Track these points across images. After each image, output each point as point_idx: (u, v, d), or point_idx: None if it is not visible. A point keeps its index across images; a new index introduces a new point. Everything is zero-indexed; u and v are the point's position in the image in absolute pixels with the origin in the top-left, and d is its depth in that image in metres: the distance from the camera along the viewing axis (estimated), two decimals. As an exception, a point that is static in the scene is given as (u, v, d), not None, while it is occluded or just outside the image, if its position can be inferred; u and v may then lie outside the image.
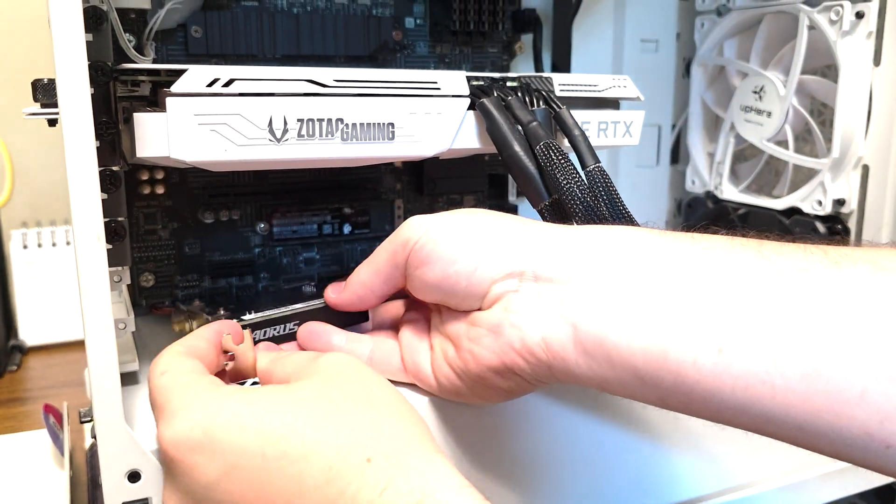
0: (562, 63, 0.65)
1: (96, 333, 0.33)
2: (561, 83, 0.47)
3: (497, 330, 0.34)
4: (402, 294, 0.42)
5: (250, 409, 0.30)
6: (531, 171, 0.42)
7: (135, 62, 0.41)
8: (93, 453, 0.47)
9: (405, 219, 0.63)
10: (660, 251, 0.31)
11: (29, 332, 0.84)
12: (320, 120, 0.40)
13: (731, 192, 0.68)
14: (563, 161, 0.41)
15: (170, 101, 0.37)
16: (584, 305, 0.32)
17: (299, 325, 0.43)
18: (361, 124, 0.41)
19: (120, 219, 0.41)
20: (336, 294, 0.42)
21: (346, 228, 0.59)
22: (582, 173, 0.42)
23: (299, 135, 0.40)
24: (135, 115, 0.38)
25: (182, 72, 0.38)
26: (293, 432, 0.29)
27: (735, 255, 0.30)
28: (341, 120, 0.41)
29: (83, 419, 0.45)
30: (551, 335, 0.32)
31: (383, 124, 0.42)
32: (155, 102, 0.41)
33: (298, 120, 0.40)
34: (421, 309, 0.42)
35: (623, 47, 0.69)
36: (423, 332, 0.41)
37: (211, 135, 0.38)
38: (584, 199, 0.40)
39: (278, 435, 0.29)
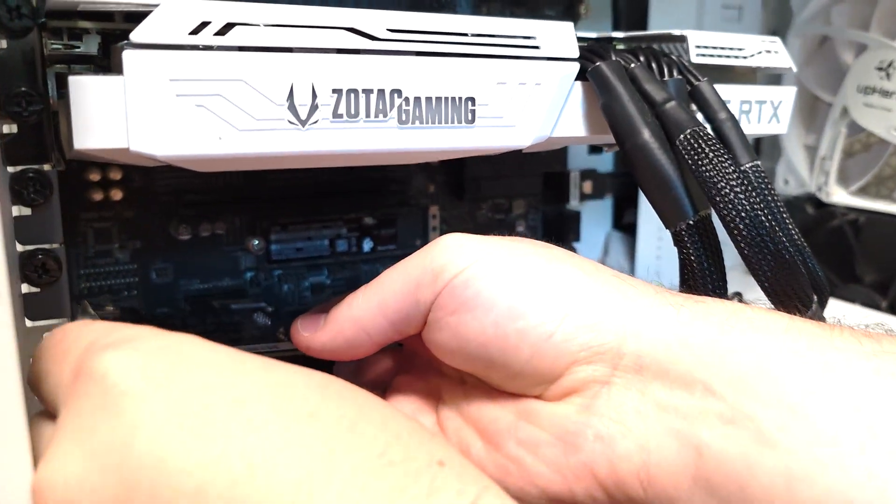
0: (635, 30, 0.51)
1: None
2: (698, 44, 0.33)
3: (571, 440, 0.24)
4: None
5: None
6: (669, 172, 0.28)
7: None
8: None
9: (441, 232, 0.50)
10: (853, 359, 0.21)
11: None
12: (367, 91, 0.26)
13: (839, 195, 0.55)
14: (721, 157, 0.28)
15: (129, 57, 0.23)
16: (721, 422, 0.22)
17: None
18: (428, 99, 0.27)
19: (52, 245, 0.26)
20: (310, 332, 0.29)
21: (367, 244, 0.46)
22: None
23: (335, 114, 0.25)
24: (70, 79, 0.23)
25: (149, 11, 0.23)
26: None
27: None
28: (398, 92, 0.26)
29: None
30: (659, 461, 0.22)
31: (460, 100, 0.27)
32: (108, 67, 0.27)
33: (334, 91, 0.25)
34: (424, 369, 0.29)
35: (704, 13, 0.55)
36: (427, 405, 0.28)
37: (196, 114, 0.24)
38: (754, 215, 0.27)
39: None
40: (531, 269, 0.25)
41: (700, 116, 0.32)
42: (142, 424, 0.19)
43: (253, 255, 0.42)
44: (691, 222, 0.28)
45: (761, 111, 0.35)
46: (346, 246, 0.45)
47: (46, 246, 0.26)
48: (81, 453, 0.19)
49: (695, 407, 0.22)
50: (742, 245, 0.27)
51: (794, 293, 0.27)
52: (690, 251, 0.28)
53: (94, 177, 0.38)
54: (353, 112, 0.26)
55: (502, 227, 0.50)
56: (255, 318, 0.42)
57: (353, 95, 0.26)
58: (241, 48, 0.24)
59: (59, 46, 0.26)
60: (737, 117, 0.35)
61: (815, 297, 0.29)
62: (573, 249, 0.53)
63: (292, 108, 0.25)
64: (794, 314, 0.28)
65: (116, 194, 0.39)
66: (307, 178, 0.44)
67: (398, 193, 0.46)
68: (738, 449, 0.21)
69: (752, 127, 0.35)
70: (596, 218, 0.56)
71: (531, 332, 0.24)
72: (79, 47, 0.27)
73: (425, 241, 0.48)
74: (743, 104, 0.35)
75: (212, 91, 0.24)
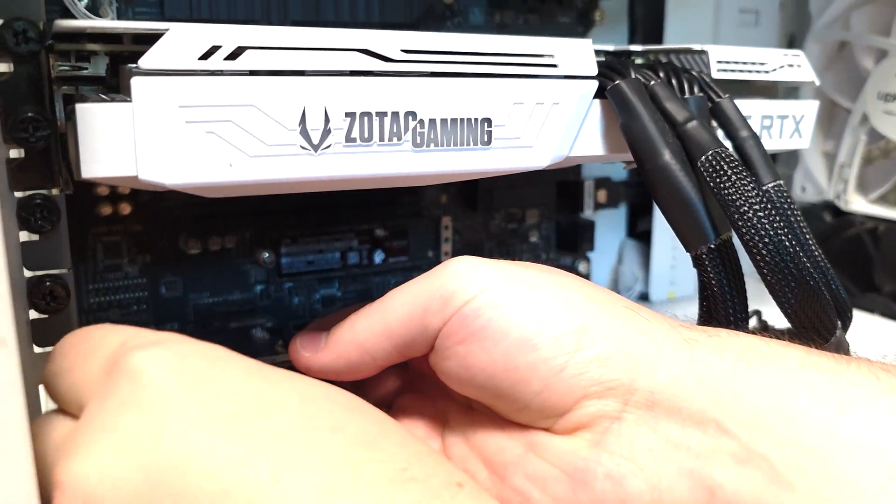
0: (652, 37, 0.51)
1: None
2: (719, 59, 0.32)
3: (581, 476, 0.23)
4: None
5: None
6: (690, 194, 0.27)
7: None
8: None
9: (454, 243, 0.49)
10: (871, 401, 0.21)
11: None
12: (381, 114, 0.25)
13: (858, 203, 0.54)
14: (743, 179, 0.27)
15: (137, 84, 0.22)
16: (735, 462, 0.21)
17: None
18: (443, 121, 0.26)
19: (61, 271, 0.26)
20: (311, 353, 0.28)
21: (378, 256, 0.45)
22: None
23: (348, 139, 0.25)
24: (77, 107, 0.22)
25: (158, 34, 0.23)
26: None
27: None
28: (413, 114, 0.26)
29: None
30: (671, 501, 0.22)
31: (476, 121, 0.27)
32: (116, 87, 0.26)
33: (347, 115, 0.25)
34: (430, 391, 0.29)
35: (721, 18, 0.54)
36: (433, 429, 0.28)
37: (207, 141, 0.23)
38: (777, 240, 0.26)
39: None
40: (543, 300, 0.24)
41: (721, 133, 0.31)
42: (172, 424, 0.19)
43: (263, 268, 0.42)
44: (713, 245, 0.27)
45: (783, 126, 0.34)
46: (358, 258, 0.45)
47: (55, 272, 0.26)
48: (109, 447, 0.19)
49: (707, 446, 0.21)
50: (765, 270, 0.26)
51: (819, 319, 0.27)
52: (711, 275, 0.27)
53: (103, 191, 0.38)
54: (366, 136, 0.25)
55: (515, 237, 0.50)
56: (253, 332, 0.42)
57: (366, 118, 0.25)
58: (252, 72, 0.24)
59: (67, 68, 0.26)
60: (758, 133, 0.34)
61: (839, 322, 0.28)
62: (587, 260, 0.52)
63: (304, 133, 0.24)
64: (818, 340, 0.27)
65: (125, 208, 0.38)
66: (318, 191, 0.43)
67: (410, 204, 0.46)
68: (752, 490, 0.20)
69: (774, 142, 0.34)
70: (610, 226, 0.55)
71: (542, 366, 0.23)
72: (87, 69, 0.26)
73: (437, 253, 0.48)
74: (764, 119, 0.34)
75: (222, 117, 0.23)
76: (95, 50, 0.26)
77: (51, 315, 0.26)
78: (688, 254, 0.28)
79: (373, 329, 0.26)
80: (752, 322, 0.36)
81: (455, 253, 0.48)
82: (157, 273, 0.40)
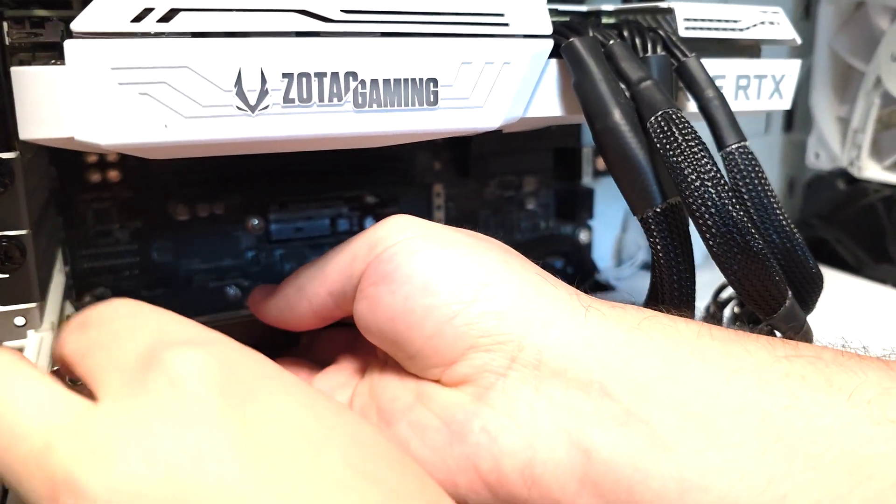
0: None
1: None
2: (686, 17, 0.31)
3: (458, 428, 0.23)
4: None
5: None
6: (638, 156, 0.27)
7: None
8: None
9: (447, 211, 0.49)
10: (744, 369, 0.20)
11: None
12: (320, 75, 0.25)
13: (872, 170, 0.52)
14: (691, 143, 0.26)
15: (71, 46, 0.23)
16: (614, 424, 0.21)
17: None
18: (386, 81, 0.26)
19: (18, 232, 0.27)
20: (262, 297, 0.30)
21: (369, 224, 0.45)
22: (717, 158, 0.27)
23: (286, 99, 0.25)
24: (12, 70, 0.23)
25: (91, -3, 0.23)
26: None
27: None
28: (353, 75, 0.26)
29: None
30: (545, 461, 0.21)
31: (420, 81, 0.27)
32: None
33: (285, 75, 0.25)
34: (363, 350, 0.29)
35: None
36: (349, 381, 0.29)
37: (140, 102, 0.23)
38: (722, 207, 0.25)
39: None
40: (456, 254, 0.24)
41: (684, 94, 0.30)
42: (212, 446, 0.18)
43: (252, 234, 0.43)
44: (658, 209, 0.26)
45: (761, 86, 0.33)
46: (348, 225, 0.45)
47: (11, 233, 0.27)
48: (144, 460, 0.17)
49: (588, 408, 0.21)
50: (708, 237, 0.25)
51: (766, 289, 0.26)
52: (657, 240, 0.26)
53: (92, 159, 0.38)
54: (305, 96, 0.25)
55: (512, 204, 0.49)
56: (227, 289, 0.42)
57: (304, 79, 0.25)
58: (186, 33, 0.24)
59: (22, 36, 0.26)
60: (734, 93, 0.33)
61: (792, 293, 0.27)
62: (588, 228, 0.52)
63: (241, 94, 0.24)
64: (765, 311, 0.27)
65: (113, 174, 0.39)
66: (306, 156, 0.43)
67: (401, 171, 0.46)
68: (628, 453, 0.20)
69: (752, 103, 0.33)
70: (613, 194, 0.54)
71: (436, 311, 0.23)
72: (40, 35, 0.27)
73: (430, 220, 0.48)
74: (741, 79, 0.33)
75: (156, 79, 0.23)
76: (47, 16, 0.26)
77: (11, 274, 0.27)
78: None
79: (313, 276, 0.28)
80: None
81: (448, 221, 0.47)
82: (148, 239, 0.41)
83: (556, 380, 0.22)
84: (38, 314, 0.28)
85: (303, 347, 0.35)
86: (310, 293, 0.27)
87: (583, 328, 0.22)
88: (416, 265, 0.24)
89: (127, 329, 0.21)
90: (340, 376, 0.28)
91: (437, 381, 0.24)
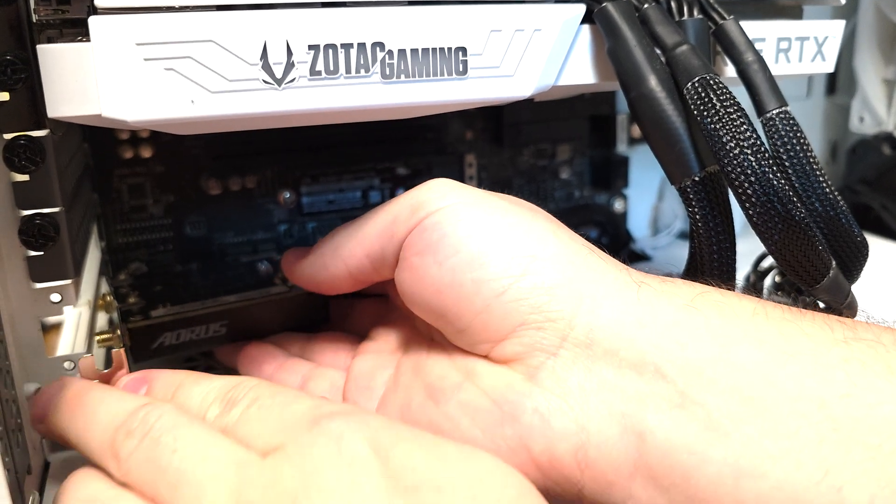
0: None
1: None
2: (724, -23, 0.30)
3: (510, 409, 0.22)
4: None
5: None
6: (675, 124, 0.26)
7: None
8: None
9: (479, 180, 0.49)
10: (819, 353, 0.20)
11: None
12: (347, 46, 0.25)
13: (920, 133, 0.51)
14: (729, 109, 0.25)
15: (95, 23, 0.22)
16: (669, 407, 0.20)
17: (228, 326, 0.31)
18: (414, 51, 0.26)
19: (52, 210, 0.27)
20: (296, 258, 0.30)
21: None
22: (757, 124, 0.26)
23: (313, 72, 0.25)
24: (39, 48, 0.23)
25: (118, -28, 0.23)
26: None
27: None
28: (381, 45, 0.25)
29: None
30: (599, 444, 0.21)
31: (449, 50, 0.26)
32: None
33: (311, 47, 0.24)
34: (401, 322, 0.29)
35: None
36: (390, 358, 0.28)
37: (166, 77, 0.23)
38: (762, 175, 0.24)
39: None
40: (503, 224, 0.24)
41: (721, 59, 0.29)
42: (365, 498, 0.18)
43: (284, 208, 0.43)
44: (696, 178, 0.26)
45: (803, 49, 0.32)
46: (380, 197, 0.45)
47: (45, 210, 0.27)
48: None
49: (643, 390, 0.21)
50: (748, 206, 0.25)
51: (808, 259, 0.25)
52: (696, 210, 0.26)
53: (124, 135, 0.39)
54: (332, 68, 0.25)
55: (545, 173, 0.48)
56: (258, 265, 0.42)
57: (331, 51, 0.25)
58: (209, 7, 0.24)
59: (49, 13, 0.26)
60: (775, 56, 0.32)
61: (836, 263, 0.27)
62: (623, 197, 0.51)
63: (266, 68, 0.24)
64: (809, 281, 0.26)
65: (146, 151, 0.39)
66: (338, 128, 0.43)
67: (433, 141, 0.45)
68: (683, 437, 0.20)
69: (793, 66, 0.32)
70: (649, 162, 0.53)
71: (485, 286, 0.23)
72: (66, 11, 0.26)
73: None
74: (781, 42, 0.32)
75: (181, 53, 0.23)
76: (73, -9, 0.26)
77: (45, 251, 0.27)
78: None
79: (350, 235, 0.27)
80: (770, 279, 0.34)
81: (481, 190, 0.47)
82: (181, 213, 0.41)
83: (608, 360, 0.22)
84: (73, 290, 0.28)
85: (335, 323, 0.34)
86: (346, 254, 0.27)
87: (635, 306, 0.22)
88: (462, 235, 0.23)
89: (288, 401, 0.21)
90: (380, 355, 0.28)
91: (486, 357, 0.24)
